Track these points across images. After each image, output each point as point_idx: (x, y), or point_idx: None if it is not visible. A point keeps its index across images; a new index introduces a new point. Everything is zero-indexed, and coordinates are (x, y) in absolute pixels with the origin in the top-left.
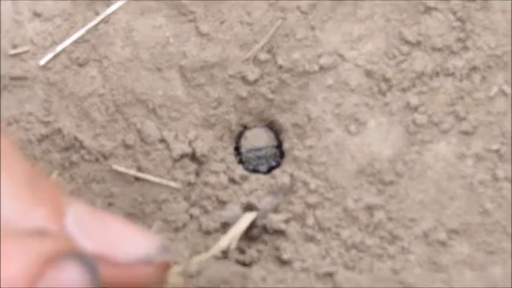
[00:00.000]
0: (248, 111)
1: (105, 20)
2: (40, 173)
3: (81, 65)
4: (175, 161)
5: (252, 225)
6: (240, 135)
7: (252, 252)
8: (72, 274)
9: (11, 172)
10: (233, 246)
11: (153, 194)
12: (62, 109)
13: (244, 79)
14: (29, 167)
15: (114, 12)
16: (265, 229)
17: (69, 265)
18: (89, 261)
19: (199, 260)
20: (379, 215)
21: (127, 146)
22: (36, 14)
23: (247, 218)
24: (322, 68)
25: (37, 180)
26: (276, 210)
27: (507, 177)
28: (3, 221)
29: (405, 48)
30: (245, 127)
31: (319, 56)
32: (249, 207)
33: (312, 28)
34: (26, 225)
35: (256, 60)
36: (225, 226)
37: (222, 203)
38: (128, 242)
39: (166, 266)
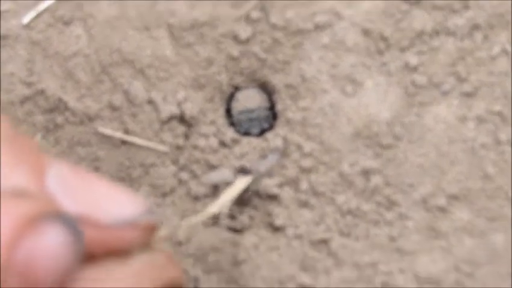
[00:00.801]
0: (240, 71)
1: None
2: (20, 133)
3: (65, 24)
4: (164, 123)
5: (244, 190)
6: (231, 97)
7: (243, 218)
8: (54, 236)
9: None
10: (225, 211)
11: (140, 157)
12: (46, 69)
13: (235, 38)
14: (7, 126)
15: None
16: (257, 194)
17: (50, 226)
18: (71, 223)
19: (188, 224)
20: (376, 179)
21: (113, 108)
22: None
23: (241, 183)
24: (317, 27)
25: (16, 139)
26: (269, 174)
27: (510, 140)
28: None
29: (404, 6)
30: (236, 88)
31: (314, 14)
32: (241, 171)
33: None
34: (5, 186)
35: (248, 19)
36: (215, 189)
37: (212, 167)
38: (113, 204)
39: (151, 229)
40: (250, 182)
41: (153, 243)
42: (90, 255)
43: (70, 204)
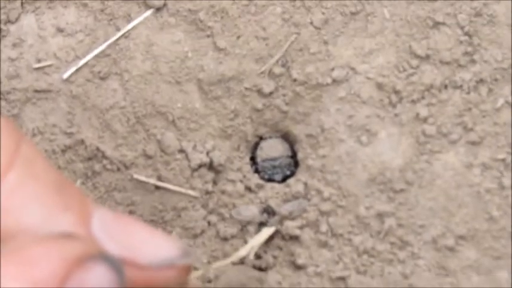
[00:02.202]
0: (263, 122)
1: (125, 35)
2: (67, 180)
3: (102, 79)
4: (194, 170)
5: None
6: (255, 146)
7: (267, 257)
8: (99, 275)
9: (39, 179)
10: (251, 256)
11: (172, 202)
12: (85, 121)
13: (259, 92)
14: (56, 173)
15: (134, 28)
16: (280, 235)
17: (96, 266)
18: (115, 263)
19: (217, 266)
20: (390, 221)
21: (147, 156)
22: (60, 30)
23: (267, 231)
24: (334, 81)
25: (64, 186)
26: (292, 217)
27: None
28: (32, 226)
29: (415, 62)
30: (261, 138)
31: (332, 69)
32: (267, 211)
33: (325, 43)
34: (54, 230)
35: (271, 74)
36: (242, 231)
37: (238, 219)
38: (151, 246)
39: (187, 270)
40: (275, 230)
41: (188, 282)
42: None
43: (112, 246)
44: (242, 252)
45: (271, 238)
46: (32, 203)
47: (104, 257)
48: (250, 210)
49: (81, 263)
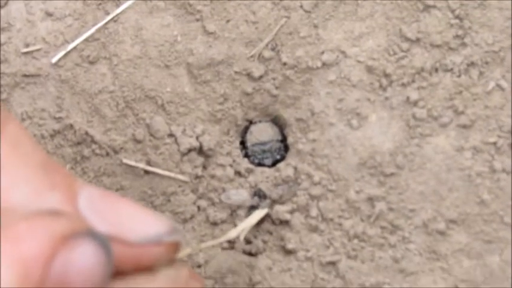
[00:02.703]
0: (253, 106)
1: (114, 19)
2: (53, 160)
3: (91, 63)
4: (183, 154)
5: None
6: (245, 130)
7: (257, 242)
8: (86, 252)
9: (26, 158)
10: (241, 238)
11: (162, 186)
12: (74, 105)
13: (249, 76)
14: (42, 153)
15: (123, 12)
16: (270, 220)
17: (83, 243)
18: (102, 240)
19: (207, 245)
20: (380, 205)
21: (137, 141)
22: (48, 14)
23: (259, 213)
24: (324, 65)
25: (51, 165)
26: (282, 201)
27: (504, 168)
28: (20, 204)
29: (405, 45)
30: (250, 122)
31: (322, 53)
32: (258, 194)
33: (315, 26)
34: (42, 208)
35: (261, 58)
36: (232, 216)
37: (228, 203)
38: (139, 223)
39: (176, 247)
40: (266, 213)
41: (177, 260)
42: (119, 271)
43: (100, 224)
44: (233, 233)
45: (261, 222)
46: (19, 181)
47: (90, 234)
48: (241, 194)
49: (68, 240)
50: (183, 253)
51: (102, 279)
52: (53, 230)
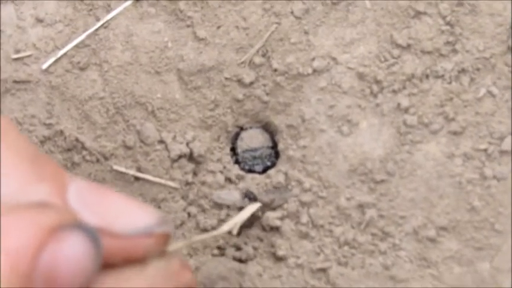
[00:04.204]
0: (244, 113)
1: (105, 26)
2: (42, 153)
3: (82, 69)
4: (174, 161)
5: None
6: (236, 136)
7: (248, 249)
8: (75, 244)
9: (14, 150)
10: (234, 232)
11: (152, 193)
12: (64, 112)
13: (240, 82)
14: (31, 145)
15: (114, 18)
16: (261, 226)
17: (72, 235)
18: (91, 232)
19: (199, 239)
20: (371, 212)
21: (127, 147)
22: (39, 20)
23: (251, 208)
24: (315, 71)
25: (39, 157)
26: (272, 207)
27: (495, 175)
28: (7, 196)
29: (396, 52)
30: (241, 128)
31: (313, 59)
32: (248, 196)
33: (306, 32)
34: (30, 200)
35: (251, 64)
36: (221, 207)
37: (219, 202)
38: (128, 215)
39: (166, 238)
40: (259, 207)
41: (167, 252)
42: (109, 263)
43: (89, 216)
44: (225, 227)
45: (251, 225)
46: (7, 173)
47: (79, 226)
48: (232, 195)
49: (56, 232)
50: (174, 246)
51: (91, 271)
52: (42, 222)
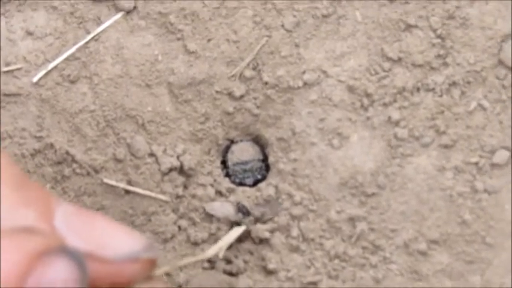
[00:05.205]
0: (234, 126)
1: (95, 38)
2: (28, 176)
3: (72, 82)
4: (164, 174)
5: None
6: (226, 149)
7: (238, 262)
8: (61, 269)
9: (0, 175)
10: (220, 255)
11: (142, 206)
12: (54, 124)
13: (230, 95)
14: (17, 170)
15: (104, 31)
16: (251, 239)
17: (58, 261)
18: (77, 257)
19: (184, 263)
20: (362, 226)
21: (117, 160)
22: (29, 33)
23: (236, 231)
24: (306, 84)
25: (26, 182)
26: (262, 220)
27: (485, 189)
28: None
29: (387, 65)
30: (232, 141)
31: (303, 73)
32: (241, 210)
33: (296, 45)
34: (16, 225)
35: (242, 77)
36: (213, 236)
37: (210, 215)
38: (115, 240)
39: (152, 264)
40: (244, 230)
41: (153, 277)
42: None
43: (75, 241)
44: (210, 251)
45: (241, 241)
46: None
47: (65, 251)
48: (225, 208)
49: (42, 257)
50: (160, 271)
51: None
52: (28, 247)
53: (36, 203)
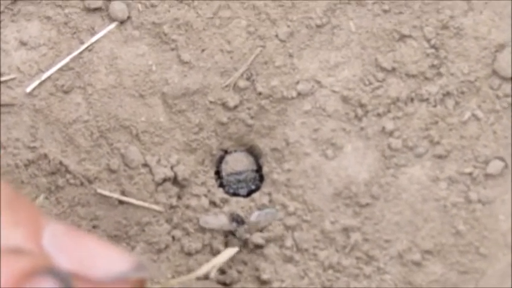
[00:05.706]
0: (228, 136)
1: (89, 49)
2: (19, 195)
3: (66, 92)
4: (158, 184)
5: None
6: (220, 160)
7: (232, 272)
8: None
9: None
10: (212, 274)
11: (136, 216)
12: (48, 135)
13: (224, 105)
14: (7, 189)
15: (98, 41)
16: (245, 249)
17: (44, 281)
18: (64, 277)
19: (177, 281)
20: (355, 236)
21: (111, 171)
22: (23, 43)
23: (230, 252)
24: (299, 94)
25: (14, 201)
26: (259, 227)
27: (480, 199)
28: None
29: (380, 75)
30: (225, 152)
31: (297, 83)
32: (236, 219)
33: (290, 56)
34: (5, 244)
35: (236, 87)
36: (206, 247)
37: (203, 226)
38: (103, 260)
39: (141, 283)
40: (236, 251)
41: None
42: None
43: (64, 261)
44: (203, 269)
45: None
46: None
47: (52, 271)
48: (219, 219)
49: (28, 278)
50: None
51: None
52: (15, 268)
53: (25, 222)
